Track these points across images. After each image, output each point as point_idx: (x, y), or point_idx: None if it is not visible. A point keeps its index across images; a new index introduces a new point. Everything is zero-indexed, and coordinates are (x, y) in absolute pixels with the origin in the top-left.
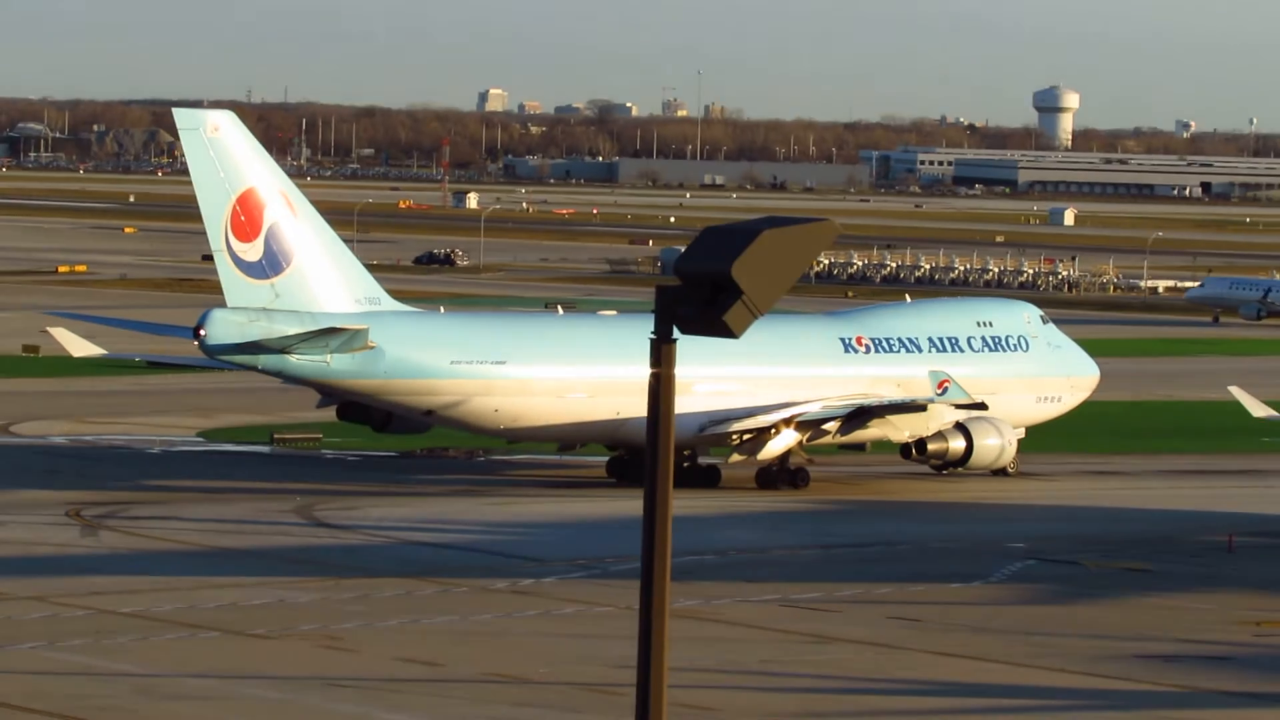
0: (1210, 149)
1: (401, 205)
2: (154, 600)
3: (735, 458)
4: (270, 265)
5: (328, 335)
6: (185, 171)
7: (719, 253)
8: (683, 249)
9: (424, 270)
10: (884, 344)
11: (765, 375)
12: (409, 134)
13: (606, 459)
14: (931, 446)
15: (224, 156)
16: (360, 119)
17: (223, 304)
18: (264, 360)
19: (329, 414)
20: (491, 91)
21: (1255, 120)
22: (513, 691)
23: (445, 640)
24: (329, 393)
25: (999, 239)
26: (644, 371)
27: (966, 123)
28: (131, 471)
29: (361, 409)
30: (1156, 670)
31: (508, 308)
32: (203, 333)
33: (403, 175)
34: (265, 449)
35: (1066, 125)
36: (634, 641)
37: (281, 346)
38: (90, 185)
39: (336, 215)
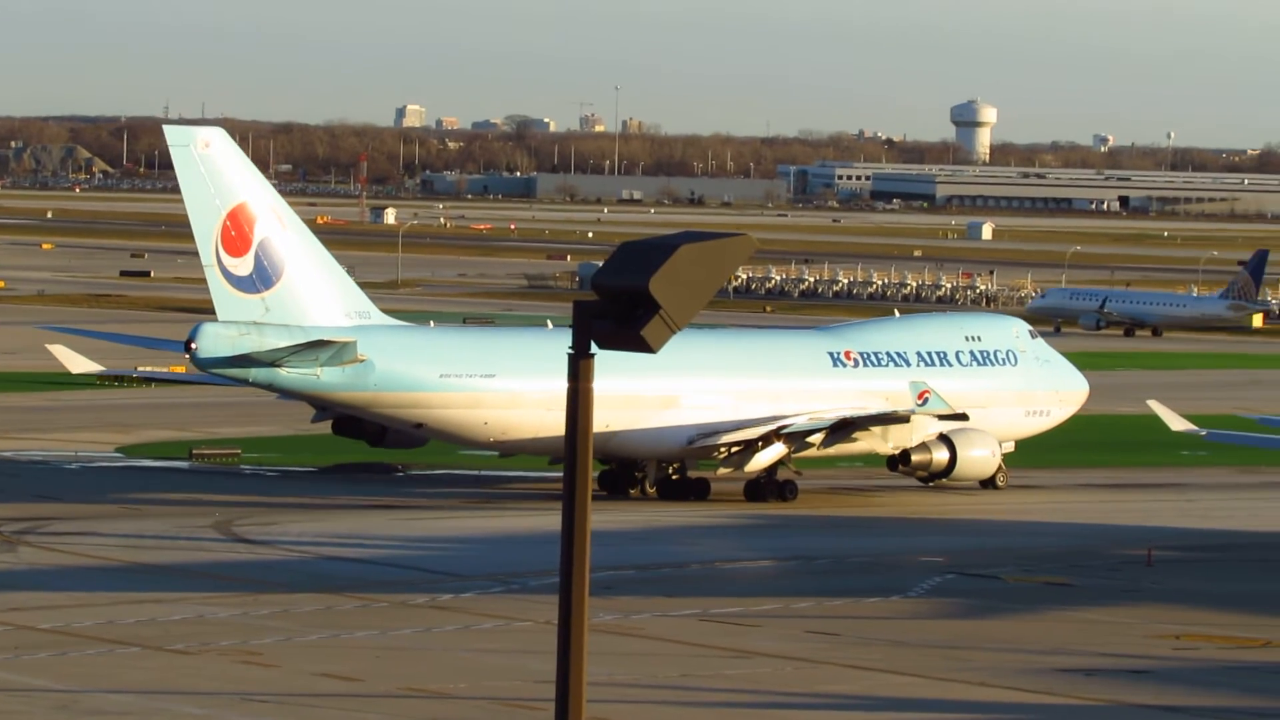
0: (1128, 163)
1: (319, 221)
2: (73, 616)
3: (722, 470)
4: (261, 280)
5: (317, 348)
6: (103, 187)
7: (636, 268)
8: (600, 264)
9: None
10: (872, 358)
11: (753, 389)
12: (327, 150)
13: (598, 473)
14: (915, 458)
15: (214, 172)
16: (278, 135)
17: (210, 318)
18: (255, 374)
19: (249, 429)
20: (409, 107)
21: (1173, 135)
22: (432, 706)
23: (364, 655)
24: (320, 405)
25: (917, 253)
26: (633, 385)
27: (884, 137)
28: (50, 487)
29: (356, 424)
30: (1076, 684)
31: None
32: (194, 346)
33: (320, 191)
34: (184, 465)
35: (984, 140)
36: (553, 656)
37: (272, 360)
38: (7, 201)
39: None
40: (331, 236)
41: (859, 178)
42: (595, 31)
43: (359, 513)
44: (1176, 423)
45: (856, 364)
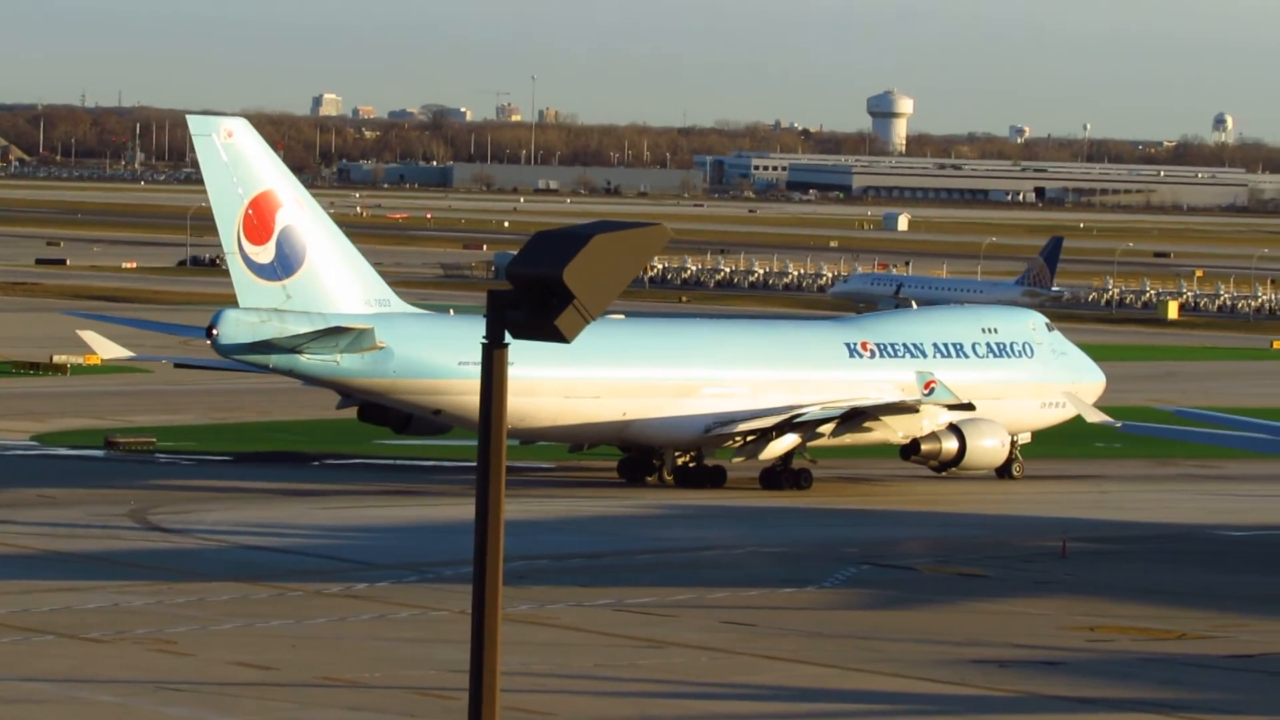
0: (1044, 154)
1: None
2: None
3: (736, 459)
4: (282, 267)
5: (336, 335)
6: (19, 175)
7: (550, 257)
8: (516, 254)
9: (189, 273)
10: (889, 349)
11: (770, 379)
12: None
13: (617, 461)
14: (925, 447)
15: (236, 161)
16: None
17: (228, 305)
18: (275, 360)
19: (166, 417)
20: (326, 96)
21: (1089, 126)
22: (347, 695)
23: (280, 644)
24: (341, 391)
25: (833, 244)
26: (651, 373)
27: (801, 128)
28: None
29: (382, 411)
30: (990, 675)
31: None
32: (215, 332)
33: None
34: (100, 453)
35: (901, 131)
36: (468, 645)
37: (292, 346)
38: None
39: (172, 220)
40: None
41: (775, 168)
42: (512, 21)
43: (275, 501)
44: (1092, 415)
45: (873, 354)
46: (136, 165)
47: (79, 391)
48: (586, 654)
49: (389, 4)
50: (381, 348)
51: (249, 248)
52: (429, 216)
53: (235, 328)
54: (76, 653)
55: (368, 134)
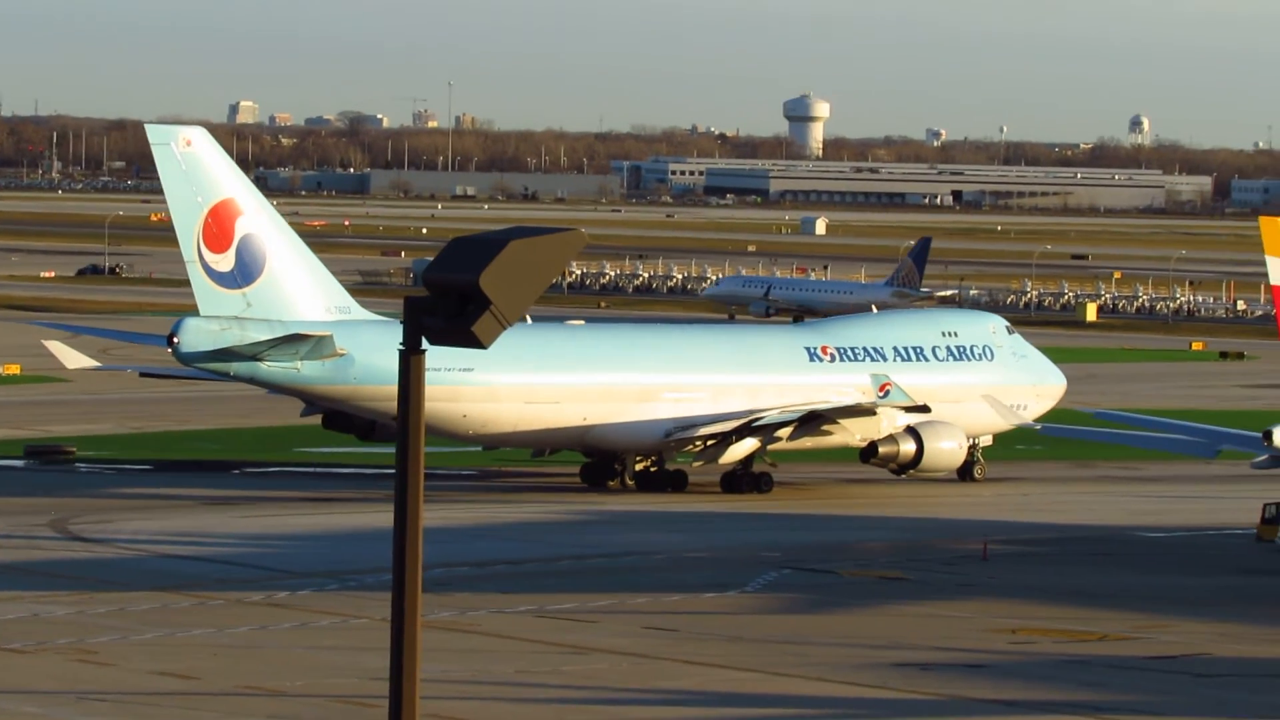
0: (961, 157)
1: (153, 218)
2: None
3: (696, 464)
4: (242, 275)
5: (295, 342)
6: None
7: (467, 263)
8: (433, 260)
9: (87, 281)
10: (849, 353)
11: (730, 383)
12: None
13: (580, 466)
14: (882, 450)
15: (195, 170)
16: (111, 131)
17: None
18: (236, 367)
19: (84, 427)
20: (242, 104)
21: (1005, 129)
22: (269, 704)
23: (201, 653)
24: (303, 398)
25: (751, 249)
26: (611, 379)
27: (717, 132)
28: None
29: (345, 418)
30: (913, 678)
31: None
32: (176, 340)
33: (154, 188)
34: (19, 463)
35: (817, 134)
36: (389, 653)
37: (253, 354)
38: None
39: (88, 228)
40: (166, 233)
41: (692, 173)
42: (428, 27)
43: (195, 510)
44: (1009, 417)
45: (833, 359)
46: (54, 174)
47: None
48: (508, 660)
49: (304, 11)
50: (342, 354)
51: (209, 256)
52: (347, 224)
53: (196, 336)
54: None
55: (285, 141)
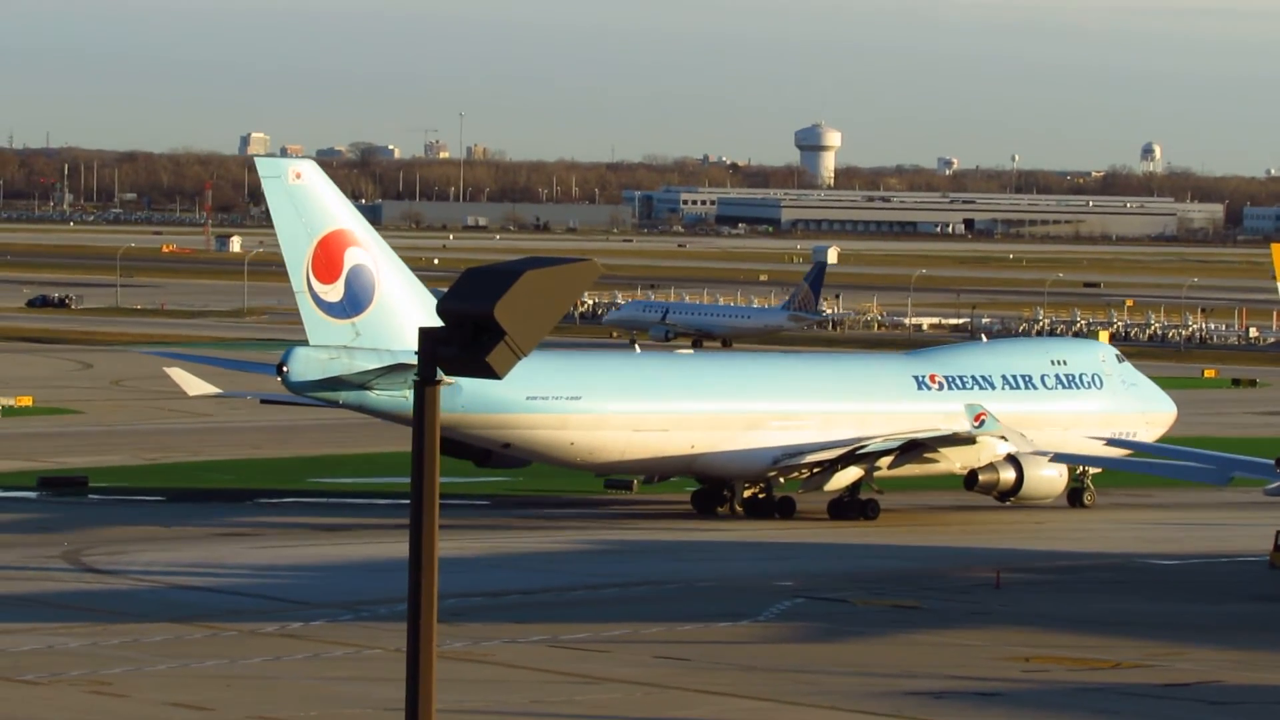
0: (973, 186)
1: (165, 250)
2: None
3: (802, 492)
4: (351, 305)
5: (403, 371)
6: None
7: (481, 294)
8: (447, 291)
9: (36, 312)
10: (958, 381)
11: (839, 411)
12: (171, 178)
13: (691, 491)
14: (982, 478)
15: (304, 202)
16: (122, 163)
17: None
18: (345, 396)
19: (97, 459)
20: (254, 135)
21: (1017, 157)
22: None
23: (214, 684)
24: (411, 425)
25: (763, 278)
26: (719, 406)
27: (729, 162)
28: None
29: (461, 446)
30: (926, 706)
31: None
32: (285, 369)
33: (165, 220)
34: (32, 494)
35: (829, 163)
36: (403, 684)
37: (361, 382)
38: None
39: (100, 260)
40: (177, 265)
41: (704, 202)
42: (438, 58)
43: (208, 541)
44: (1021, 444)
45: (941, 387)
46: (65, 206)
47: (10, 433)
48: (522, 690)
49: (316, 42)
50: (450, 383)
51: (318, 286)
52: None
53: (305, 365)
54: (11, 695)
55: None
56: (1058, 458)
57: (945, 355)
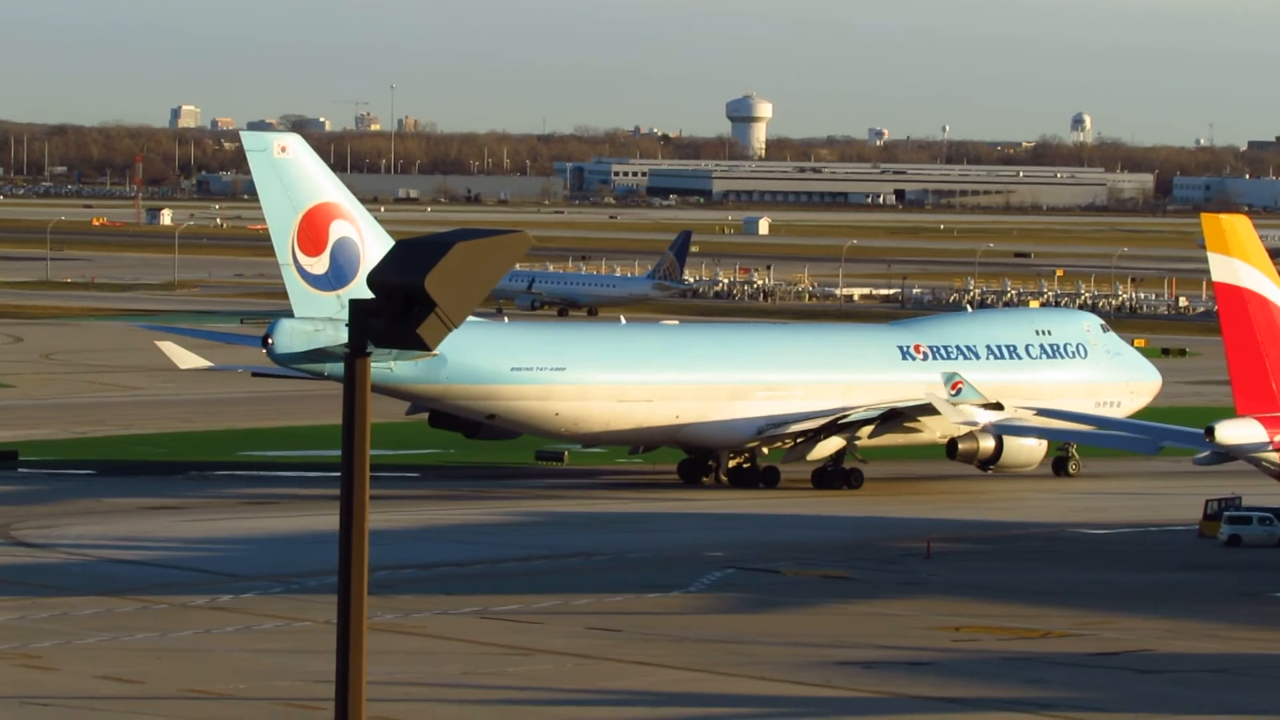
0: (903, 156)
1: (95, 223)
2: None
3: (783, 462)
4: (336, 277)
5: None
6: None
7: (412, 266)
8: (378, 262)
9: None
10: (942, 351)
11: (823, 381)
12: (102, 151)
13: (678, 462)
14: (962, 446)
15: (289, 176)
16: (52, 136)
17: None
18: (329, 367)
19: (26, 432)
20: (184, 108)
21: (948, 128)
22: (213, 707)
23: (145, 657)
24: (397, 397)
25: (694, 249)
26: (703, 377)
27: (660, 133)
28: None
29: (450, 418)
30: (856, 676)
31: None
32: (270, 341)
33: (96, 193)
34: None
35: (760, 134)
36: (334, 656)
37: (343, 354)
38: None
39: (29, 234)
40: (108, 238)
41: (635, 174)
42: (370, 30)
43: (139, 514)
44: (954, 415)
45: (926, 357)
46: None
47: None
48: (453, 662)
49: (247, 14)
50: (435, 354)
51: (303, 259)
52: None
53: (290, 337)
54: None
55: (227, 145)
56: (999, 428)
57: (930, 325)
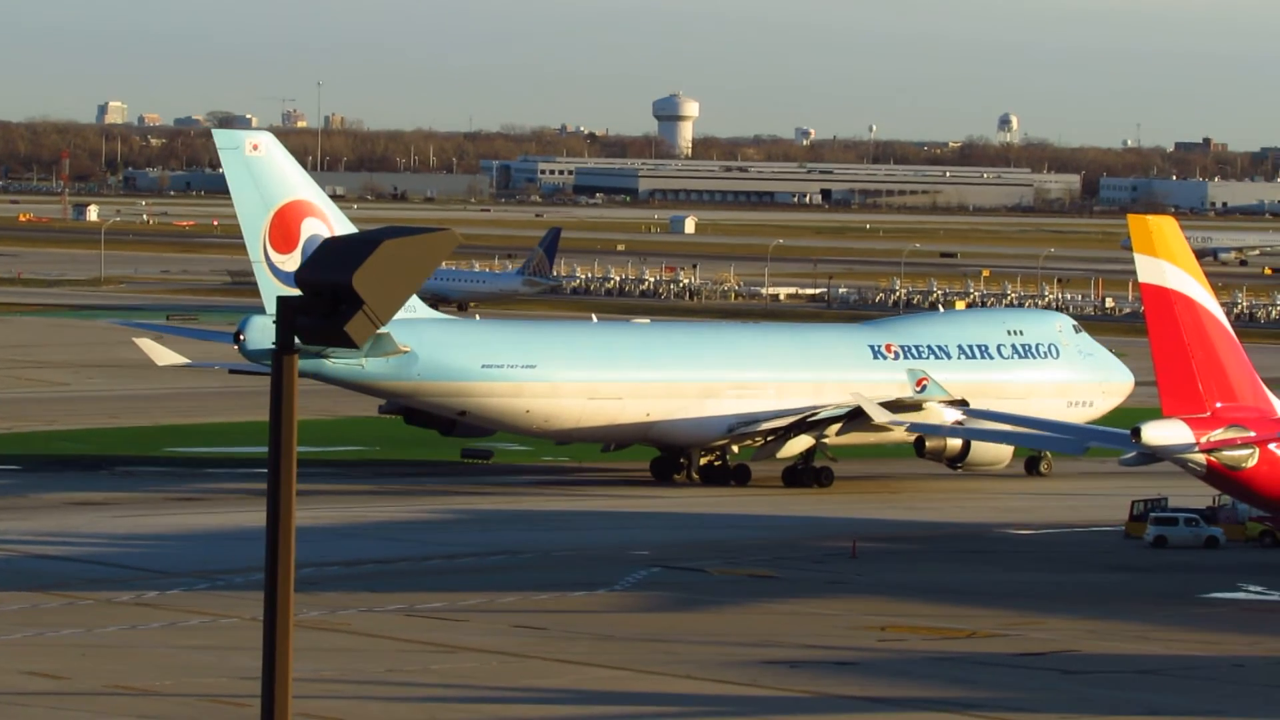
0: (830, 156)
1: (21, 219)
2: None
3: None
4: None
5: None
6: None
7: (339, 263)
8: (305, 260)
9: None
10: (914, 351)
11: (794, 380)
12: (28, 147)
13: (650, 460)
14: (929, 444)
15: (261, 174)
16: None
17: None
18: (301, 364)
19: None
20: (111, 104)
21: (874, 128)
22: (138, 703)
23: (71, 654)
24: (368, 394)
25: (620, 247)
26: (674, 375)
27: (587, 132)
28: None
29: (425, 415)
30: (782, 676)
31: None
32: (242, 337)
33: (22, 188)
34: None
35: (686, 134)
36: (259, 652)
37: (317, 350)
38: None
39: None
40: (34, 234)
41: (562, 172)
42: (296, 27)
43: (64, 510)
44: (879, 414)
45: (898, 356)
46: None
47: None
48: (378, 659)
49: (173, 11)
50: (405, 351)
51: (275, 256)
52: (215, 224)
53: (262, 333)
54: None
55: (153, 141)
56: (913, 427)
57: (902, 325)
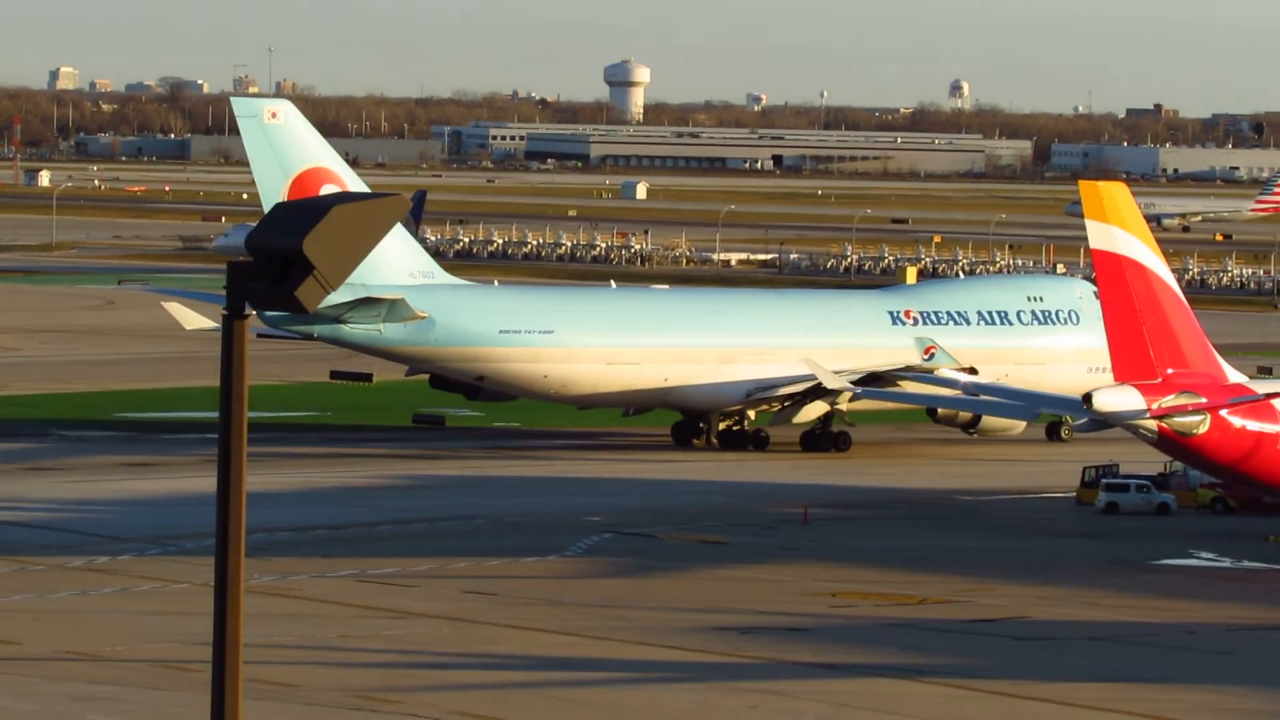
0: (781, 122)
1: None
2: None
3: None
4: None
5: (372, 305)
6: None
7: (290, 228)
8: (256, 225)
9: None
10: (932, 317)
11: (813, 346)
12: None
13: (671, 425)
14: (943, 410)
15: (280, 141)
16: None
17: None
18: (320, 329)
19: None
20: (62, 69)
21: (826, 94)
22: (90, 669)
23: (22, 619)
24: (388, 359)
25: (572, 213)
26: (692, 340)
27: (538, 97)
28: None
29: (450, 379)
30: (734, 642)
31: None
32: None
33: None
34: None
35: (638, 99)
36: (211, 618)
37: (335, 316)
38: None
39: None
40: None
41: (513, 138)
42: None
43: (14, 475)
44: (830, 380)
45: (916, 322)
46: None
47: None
48: (330, 625)
49: None
50: (423, 317)
51: None
52: (167, 189)
53: None
54: None
55: (105, 107)
56: (864, 395)
57: (921, 291)
